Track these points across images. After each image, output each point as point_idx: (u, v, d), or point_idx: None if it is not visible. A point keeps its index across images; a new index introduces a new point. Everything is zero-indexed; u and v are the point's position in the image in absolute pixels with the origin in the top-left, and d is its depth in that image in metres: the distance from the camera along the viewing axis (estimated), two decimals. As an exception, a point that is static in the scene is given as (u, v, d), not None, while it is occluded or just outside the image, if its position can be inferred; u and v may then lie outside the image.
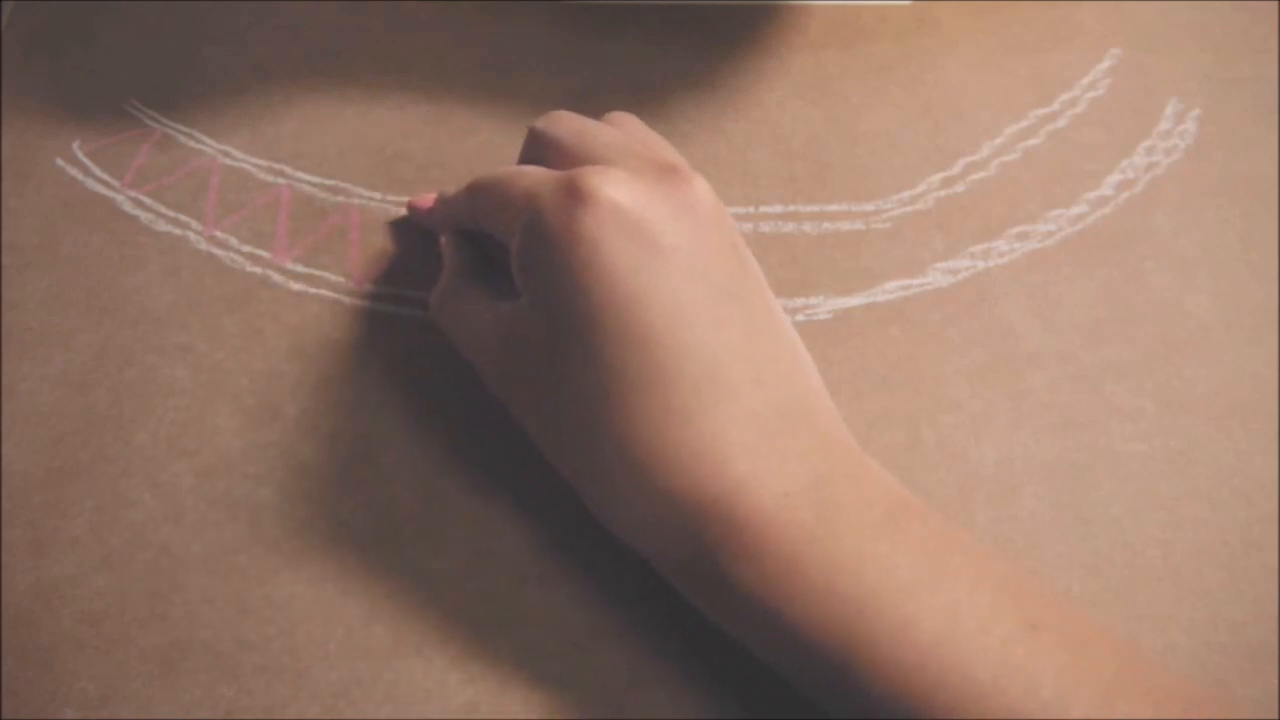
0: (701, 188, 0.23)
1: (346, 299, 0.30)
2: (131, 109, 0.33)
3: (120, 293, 0.30)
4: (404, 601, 0.25)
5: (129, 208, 0.31)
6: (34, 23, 0.35)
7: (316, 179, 0.32)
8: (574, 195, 0.22)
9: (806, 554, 0.20)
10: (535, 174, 0.24)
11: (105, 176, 0.32)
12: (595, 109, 0.33)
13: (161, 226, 0.31)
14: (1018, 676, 0.18)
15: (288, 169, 0.32)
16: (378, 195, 0.32)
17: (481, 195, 0.26)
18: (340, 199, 0.32)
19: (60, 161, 0.32)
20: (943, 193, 0.32)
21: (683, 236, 0.22)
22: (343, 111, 0.33)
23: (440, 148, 0.33)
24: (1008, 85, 0.34)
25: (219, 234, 0.31)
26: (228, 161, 0.32)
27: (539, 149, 0.26)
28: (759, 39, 0.35)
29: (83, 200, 0.31)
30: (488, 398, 0.28)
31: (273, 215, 0.31)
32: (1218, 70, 0.34)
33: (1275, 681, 0.24)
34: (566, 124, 0.26)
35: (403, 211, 0.31)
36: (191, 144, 0.33)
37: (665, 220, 0.22)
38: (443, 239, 0.29)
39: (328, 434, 0.27)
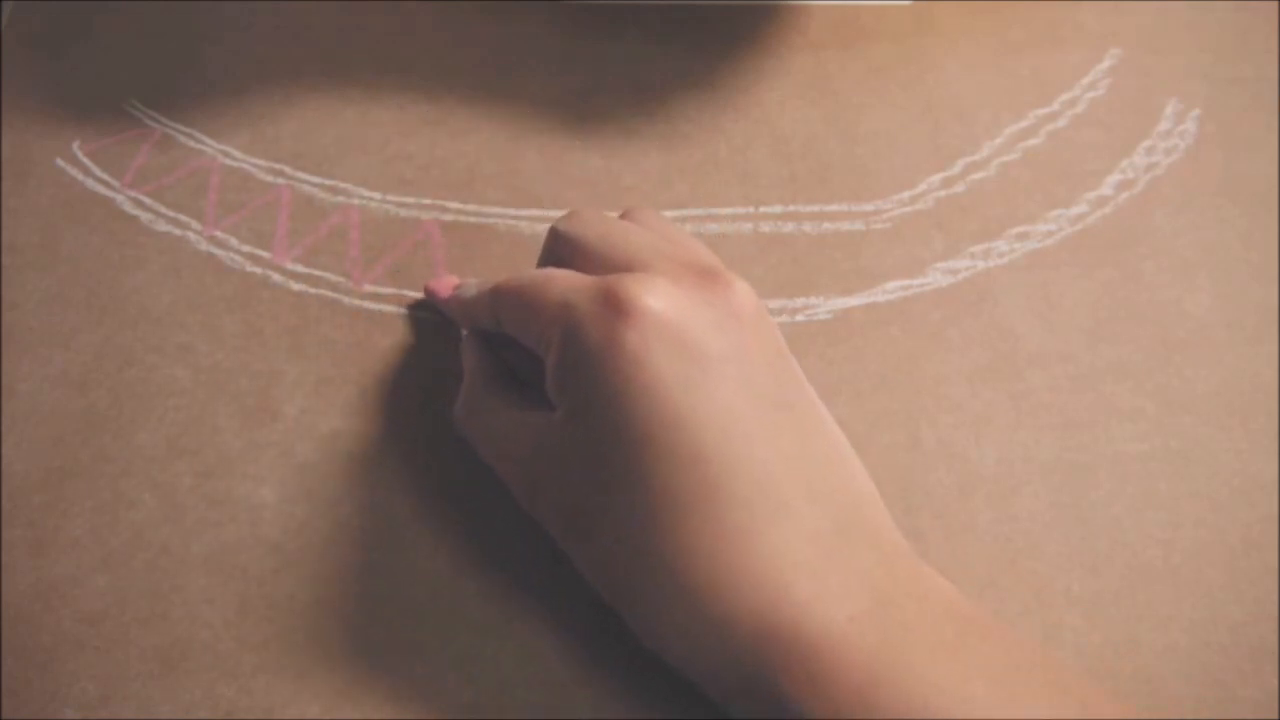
0: (743, 291, 0.22)
1: (346, 299, 0.30)
2: (131, 109, 0.33)
3: (120, 293, 0.30)
4: (404, 601, 0.25)
5: (129, 208, 0.31)
6: (34, 23, 0.35)
7: (316, 179, 0.32)
8: (613, 306, 0.21)
9: (878, 682, 0.19)
10: (567, 281, 0.23)
11: (105, 176, 0.32)
12: (595, 109, 0.33)
13: (161, 226, 0.31)
14: None
15: (288, 169, 0.32)
16: (378, 195, 0.32)
17: (508, 301, 0.24)
18: (340, 199, 0.32)
19: (60, 161, 0.32)
20: (943, 193, 0.32)
21: (728, 346, 0.21)
22: (343, 111, 0.33)
23: (440, 148, 0.33)
24: (1008, 85, 0.34)
25: (219, 234, 0.31)
26: (228, 161, 0.32)
27: (562, 250, 0.25)
28: (759, 39, 0.35)
29: (83, 200, 0.31)
30: (488, 398, 0.28)
31: (273, 215, 0.31)
32: (1218, 70, 0.34)
33: (1275, 681, 0.24)
34: (590, 225, 0.25)
35: (399, 212, 0.31)
36: (191, 144, 0.33)
37: (709, 329, 0.21)
38: (465, 338, 0.28)
39: (328, 434, 0.27)
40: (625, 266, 0.23)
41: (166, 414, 0.28)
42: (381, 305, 0.30)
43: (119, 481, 0.27)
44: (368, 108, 0.33)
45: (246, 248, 0.31)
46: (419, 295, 0.30)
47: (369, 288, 0.30)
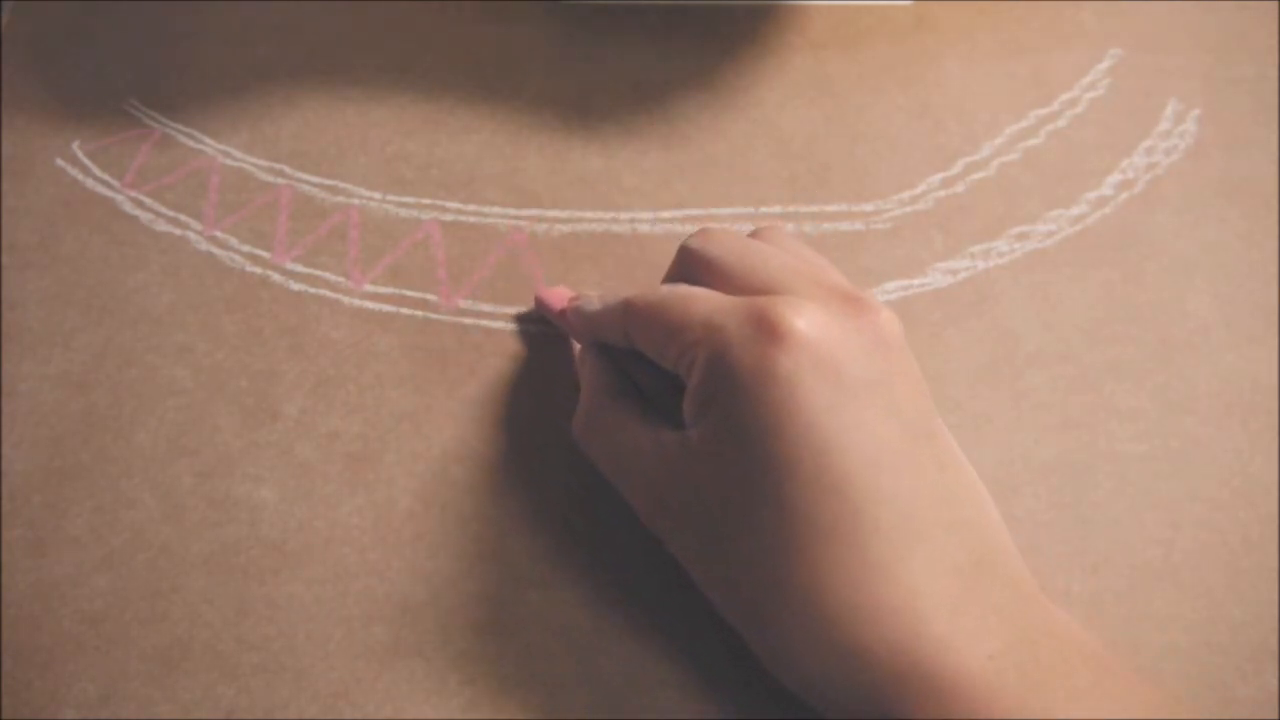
0: (888, 319, 0.22)
1: (346, 299, 0.30)
2: (131, 109, 0.33)
3: (120, 293, 0.30)
4: (404, 601, 0.25)
5: (129, 208, 0.31)
6: (34, 23, 0.35)
7: (316, 179, 0.32)
8: (765, 329, 0.21)
9: None
10: (712, 301, 0.22)
11: (105, 176, 0.32)
12: (595, 109, 0.33)
13: (161, 226, 0.31)
14: None
15: (288, 169, 0.32)
16: (378, 195, 0.32)
17: (645, 319, 0.23)
18: (340, 199, 0.32)
19: (60, 161, 0.32)
20: (943, 193, 0.32)
21: (876, 373, 0.21)
22: (343, 111, 0.33)
23: (440, 148, 0.33)
24: (1008, 85, 0.34)
25: (219, 234, 0.31)
26: (228, 161, 0.32)
27: (694, 268, 0.24)
28: (759, 39, 0.35)
29: (83, 200, 0.31)
30: (487, 398, 0.28)
31: (273, 215, 0.31)
32: (1218, 70, 0.34)
33: (1275, 681, 0.24)
34: (728, 244, 0.24)
35: (399, 212, 0.31)
36: (191, 144, 0.33)
37: (859, 356, 0.21)
38: (579, 351, 0.27)
39: (327, 434, 0.27)
40: (764, 288, 0.23)
41: (166, 414, 0.28)
42: (381, 305, 0.30)
43: (119, 481, 0.27)
44: (368, 108, 0.33)
45: (246, 248, 0.31)
46: (419, 295, 0.30)
47: (369, 288, 0.30)
